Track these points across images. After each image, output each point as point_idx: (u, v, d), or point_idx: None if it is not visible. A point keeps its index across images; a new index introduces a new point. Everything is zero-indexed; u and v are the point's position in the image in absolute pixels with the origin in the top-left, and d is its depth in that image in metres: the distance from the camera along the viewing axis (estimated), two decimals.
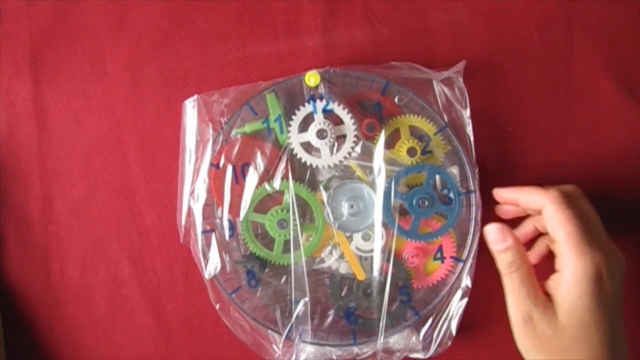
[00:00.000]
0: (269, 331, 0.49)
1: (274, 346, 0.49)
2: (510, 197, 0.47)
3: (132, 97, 0.52)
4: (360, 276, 0.48)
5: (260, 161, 0.48)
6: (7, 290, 0.53)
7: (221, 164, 0.48)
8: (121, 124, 0.52)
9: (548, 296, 0.43)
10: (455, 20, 0.51)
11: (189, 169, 0.49)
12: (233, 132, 0.48)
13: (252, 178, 0.48)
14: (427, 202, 0.47)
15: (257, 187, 0.48)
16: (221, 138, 0.48)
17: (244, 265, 0.48)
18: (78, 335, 0.53)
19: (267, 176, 0.48)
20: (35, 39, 0.52)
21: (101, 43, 0.52)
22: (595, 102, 0.51)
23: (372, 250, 0.48)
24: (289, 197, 0.47)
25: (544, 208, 0.44)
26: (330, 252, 0.49)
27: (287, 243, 0.48)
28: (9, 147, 0.52)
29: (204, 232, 0.48)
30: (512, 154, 0.51)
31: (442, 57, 0.51)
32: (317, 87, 0.48)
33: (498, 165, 0.51)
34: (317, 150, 0.48)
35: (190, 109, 0.49)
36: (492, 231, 0.45)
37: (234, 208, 0.48)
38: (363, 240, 0.48)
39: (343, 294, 0.49)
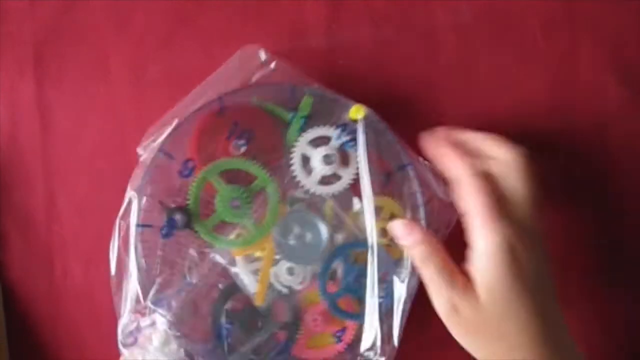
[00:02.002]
0: None
1: None
2: (431, 152, 0.46)
3: (135, 97, 0.52)
4: (259, 301, 0.45)
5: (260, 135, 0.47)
6: (11, 290, 0.53)
7: None
8: (125, 123, 0.52)
9: (467, 277, 0.42)
10: (459, 20, 0.51)
11: None
12: (254, 99, 0.47)
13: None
14: (363, 277, 0.44)
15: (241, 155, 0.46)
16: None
17: (168, 211, 0.45)
18: (81, 335, 0.53)
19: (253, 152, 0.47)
20: (39, 39, 0.52)
21: (105, 43, 0.52)
22: (599, 102, 0.51)
23: (287, 288, 0.46)
24: (216, 183, 0.45)
25: (462, 180, 0.43)
26: (250, 261, 0.46)
27: (217, 226, 0.45)
28: (12, 147, 0.52)
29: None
30: None
31: (446, 57, 0.51)
32: (355, 120, 0.46)
33: None
34: (308, 169, 0.46)
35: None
36: (398, 226, 0.44)
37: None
38: (287, 273, 0.45)
39: (227, 306, 0.46)
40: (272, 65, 0.47)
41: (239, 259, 0.46)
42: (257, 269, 0.45)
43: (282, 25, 0.52)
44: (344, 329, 0.47)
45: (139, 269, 0.45)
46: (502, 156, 0.44)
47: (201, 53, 0.52)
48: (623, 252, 0.52)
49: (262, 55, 0.47)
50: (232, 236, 0.45)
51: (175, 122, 0.46)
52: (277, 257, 0.45)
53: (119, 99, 0.52)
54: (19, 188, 0.52)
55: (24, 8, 0.52)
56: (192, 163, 0.45)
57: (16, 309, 0.53)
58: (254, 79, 0.47)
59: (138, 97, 0.52)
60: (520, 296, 0.41)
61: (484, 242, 0.41)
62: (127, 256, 0.45)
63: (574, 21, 0.51)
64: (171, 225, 0.45)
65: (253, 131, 0.47)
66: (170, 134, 0.45)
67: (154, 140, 0.46)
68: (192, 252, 0.46)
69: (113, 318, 0.52)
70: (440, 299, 0.42)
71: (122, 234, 0.46)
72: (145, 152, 0.46)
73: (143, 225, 0.45)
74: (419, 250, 0.44)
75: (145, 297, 0.45)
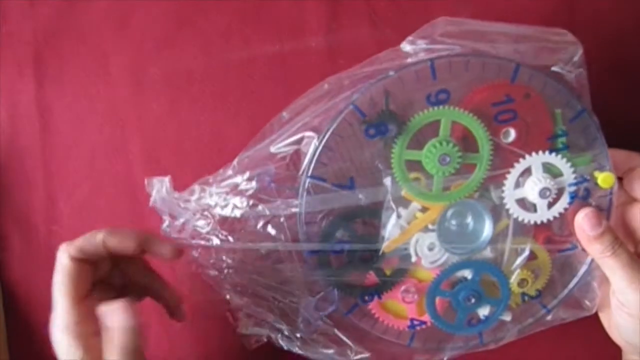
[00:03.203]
0: None
1: None
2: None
3: (135, 98, 0.52)
4: (387, 248, 0.43)
5: None
6: (11, 291, 0.53)
7: None
8: (125, 124, 0.52)
9: None
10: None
11: None
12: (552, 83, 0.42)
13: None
14: (473, 300, 0.44)
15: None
16: None
17: (386, 115, 0.41)
18: None
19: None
20: (39, 40, 0.52)
21: (104, 44, 0.52)
22: (599, 104, 0.51)
23: (416, 256, 0.43)
24: (445, 127, 0.41)
25: (638, 167, 0.43)
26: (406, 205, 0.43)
27: (446, 180, 0.42)
28: (12, 148, 0.52)
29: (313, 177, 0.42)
30: None
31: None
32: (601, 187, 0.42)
33: None
34: (520, 183, 0.43)
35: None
36: (588, 217, 0.42)
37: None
38: (427, 246, 0.43)
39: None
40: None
41: (399, 198, 0.43)
42: (407, 217, 0.43)
43: (282, 25, 0.52)
44: (423, 322, 0.46)
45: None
46: None
47: (201, 53, 0.52)
48: None
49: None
50: (411, 175, 0.42)
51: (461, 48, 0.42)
52: (431, 228, 0.43)
53: (118, 100, 0.52)
54: (18, 189, 0.52)
55: (24, 8, 0.53)
56: (445, 95, 0.41)
57: (16, 309, 0.53)
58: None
59: (138, 97, 0.52)
60: None
61: None
62: None
63: (573, 21, 0.51)
64: (381, 129, 0.41)
65: (524, 119, 0.42)
66: (449, 55, 0.41)
67: (427, 44, 0.42)
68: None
69: None
70: (639, 283, 0.41)
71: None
72: (411, 47, 0.43)
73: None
74: (608, 238, 0.42)
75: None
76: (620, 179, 0.44)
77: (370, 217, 0.43)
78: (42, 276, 0.53)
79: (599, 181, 0.42)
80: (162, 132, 0.52)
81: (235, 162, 0.44)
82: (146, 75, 0.52)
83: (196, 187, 0.44)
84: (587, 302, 0.45)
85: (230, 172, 0.44)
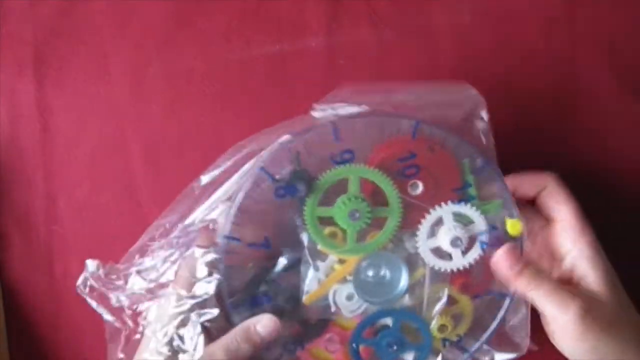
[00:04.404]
0: None
1: None
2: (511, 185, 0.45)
3: (135, 98, 0.52)
4: (307, 301, 0.44)
5: None
6: (11, 290, 0.53)
7: None
8: (125, 124, 0.52)
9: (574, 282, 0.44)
10: (459, 21, 0.51)
11: None
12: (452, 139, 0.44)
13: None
14: (395, 347, 0.44)
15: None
16: None
17: (297, 175, 0.42)
18: (81, 335, 0.53)
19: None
20: (39, 40, 0.52)
21: (105, 44, 0.52)
22: (599, 103, 0.51)
23: (336, 307, 0.44)
24: (354, 183, 0.43)
25: (546, 188, 0.44)
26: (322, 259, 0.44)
27: (360, 233, 0.43)
28: (12, 148, 0.52)
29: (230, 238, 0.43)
30: (515, 154, 0.51)
31: (446, 57, 0.51)
32: (511, 236, 0.44)
33: (499, 163, 0.51)
34: (432, 232, 0.44)
35: None
36: (504, 257, 0.43)
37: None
38: (346, 297, 0.44)
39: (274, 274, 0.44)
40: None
41: (316, 251, 0.44)
42: (325, 270, 0.44)
43: (282, 25, 0.52)
44: None
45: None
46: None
47: (201, 53, 0.52)
48: (624, 252, 0.52)
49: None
50: (325, 230, 0.43)
51: (364, 109, 0.43)
52: (349, 279, 0.44)
53: (119, 99, 0.52)
54: (19, 188, 0.52)
55: (24, 8, 0.53)
56: (350, 155, 0.43)
57: (16, 309, 0.53)
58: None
59: (138, 97, 0.52)
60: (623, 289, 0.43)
61: (588, 238, 0.43)
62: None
63: (573, 21, 0.51)
64: (290, 191, 0.43)
65: (431, 172, 0.44)
66: (350, 117, 0.43)
67: (333, 108, 0.44)
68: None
69: None
70: (570, 307, 0.41)
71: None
72: (320, 114, 0.44)
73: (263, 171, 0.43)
74: (529, 273, 0.42)
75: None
76: (533, 202, 0.45)
77: (290, 270, 0.44)
78: (42, 276, 0.53)
79: (508, 228, 0.43)
80: (162, 132, 0.52)
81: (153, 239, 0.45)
82: (146, 75, 0.52)
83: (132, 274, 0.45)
84: (519, 341, 0.45)
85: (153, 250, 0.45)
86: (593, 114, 0.51)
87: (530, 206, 0.46)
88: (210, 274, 0.43)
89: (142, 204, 0.52)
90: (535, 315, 0.44)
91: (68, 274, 0.52)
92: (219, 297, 0.43)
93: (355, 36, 0.51)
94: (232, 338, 0.41)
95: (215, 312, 0.42)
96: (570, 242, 0.43)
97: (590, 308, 0.41)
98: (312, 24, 0.51)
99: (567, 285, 0.43)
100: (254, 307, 0.44)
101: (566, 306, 0.41)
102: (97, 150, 0.52)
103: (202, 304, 0.42)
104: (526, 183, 0.45)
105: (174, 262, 0.44)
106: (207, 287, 0.43)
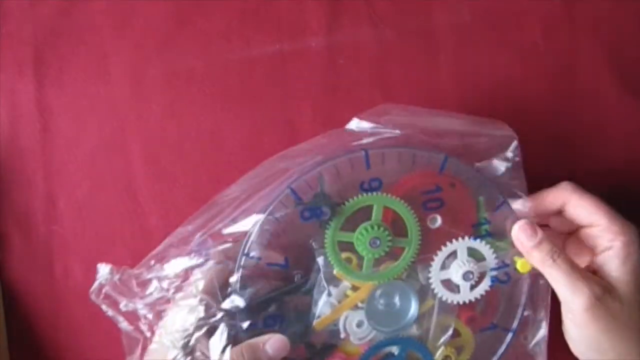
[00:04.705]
0: None
1: None
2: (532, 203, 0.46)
3: (135, 98, 0.52)
4: (320, 326, 0.44)
5: None
6: (11, 290, 0.53)
7: None
8: (125, 124, 0.52)
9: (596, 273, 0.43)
10: (459, 21, 0.51)
11: None
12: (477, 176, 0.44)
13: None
14: None
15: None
16: None
17: (323, 199, 0.43)
18: (81, 336, 0.53)
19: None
20: (39, 40, 0.52)
21: (105, 44, 0.52)
22: (599, 104, 0.51)
23: (345, 334, 0.44)
24: (378, 212, 0.43)
25: (570, 200, 0.44)
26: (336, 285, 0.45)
27: (376, 261, 0.44)
28: (12, 148, 0.52)
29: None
30: None
31: (446, 58, 0.51)
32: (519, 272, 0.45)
33: None
34: (446, 265, 0.45)
35: None
36: (523, 229, 0.43)
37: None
38: (356, 323, 0.44)
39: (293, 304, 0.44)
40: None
41: (331, 276, 0.45)
42: (338, 296, 0.44)
43: (282, 25, 0.52)
44: None
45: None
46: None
47: (201, 53, 0.52)
48: None
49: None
50: (342, 255, 0.44)
51: (398, 134, 0.44)
52: (360, 306, 0.44)
53: (119, 99, 0.52)
54: (18, 188, 0.52)
55: (24, 8, 0.53)
56: (377, 183, 0.44)
57: (16, 309, 0.53)
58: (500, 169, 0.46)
59: (138, 97, 0.52)
60: None
61: (623, 238, 0.42)
62: None
63: (574, 21, 0.51)
64: (316, 213, 0.43)
65: (450, 206, 0.45)
66: (381, 146, 0.44)
67: (370, 128, 0.44)
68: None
69: None
70: (582, 291, 0.41)
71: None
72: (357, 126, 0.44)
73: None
74: (546, 247, 0.42)
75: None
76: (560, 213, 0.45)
77: (304, 294, 0.44)
78: (42, 276, 0.53)
79: (518, 266, 0.44)
80: (162, 132, 0.52)
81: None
82: (146, 75, 0.52)
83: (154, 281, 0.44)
84: None
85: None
86: (593, 114, 0.51)
87: (548, 228, 0.46)
88: (244, 287, 0.43)
89: (142, 204, 0.52)
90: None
91: (68, 274, 0.52)
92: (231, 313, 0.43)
93: (355, 36, 0.51)
94: (238, 352, 0.41)
95: (245, 324, 0.43)
96: (608, 241, 0.43)
97: (602, 298, 0.41)
98: (312, 24, 0.51)
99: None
100: (265, 327, 0.43)
101: (579, 290, 0.41)
102: (97, 150, 0.52)
103: (232, 315, 0.42)
104: (548, 199, 0.45)
105: (192, 271, 0.44)
106: (238, 300, 0.43)
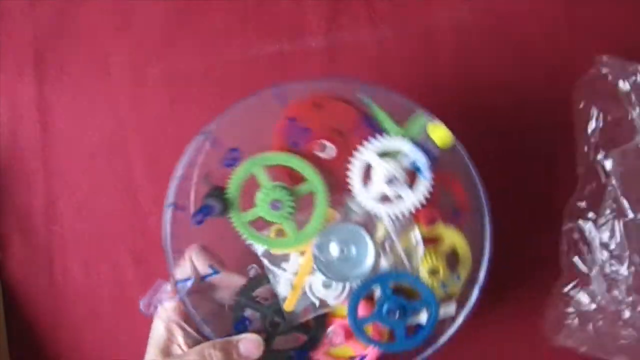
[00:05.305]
0: None
1: None
2: None
3: (135, 98, 0.52)
4: (288, 307, 0.42)
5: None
6: (11, 290, 0.53)
7: None
8: (125, 124, 0.52)
9: None
10: (459, 21, 0.51)
11: None
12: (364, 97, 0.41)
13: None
14: (397, 314, 0.41)
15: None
16: None
17: (207, 197, 0.41)
18: (81, 335, 0.53)
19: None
20: (39, 40, 0.52)
21: (105, 44, 0.52)
22: None
23: (319, 300, 0.42)
24: (260, 175, 0.41)
25: None
26: (287, 259, 0.42)
27: (256, 221, 0.42)
28: (12, 148, 0.53)
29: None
30: (514, 154, 0.51)
31: (446, 57, 0.51)
32: (444, 147, 0.41)
33: (498, 165, 0.51)
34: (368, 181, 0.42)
35: None
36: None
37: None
38: (322, 287, 0.42)
39: (255, 293, 0.43)
40: None
41: (275, 255, 0.43)
42: (293, 269, 0.42)
43: (282, 25, 0.52)
44: (364, 357, 0.43)
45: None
46: None
47: (201, 53, 0.52)
48: None
49: None
50: (271, 233, 0.42)
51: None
52: (314, 269, 0.42)
53: (118, 100, 0.52)
54: (18, 188, 0.52)
55: (24, 8, 0.53)
56: (237, 153, 0.41)
57: (16, 309, 0.53)
58: None
59: (138, 97, 0.52)
60: None
61: None
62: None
63: (574, 21, 0.51)
64: (205, 211, 0.41)
65: (328, 126, 0.42)
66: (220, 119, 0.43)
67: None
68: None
69: (113, 318, 0.53)
70: None
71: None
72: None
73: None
74: None
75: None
76: None
77: (263, 285, 0.43)
78: (42, 276, 0.53)
79: (434, 137, 0.41)
80: (162, 132, 0.52)
81: None
82: (146, 75, 0.52)
83: None
84: None
85: None
86: None
87: None
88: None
89: (142, 204, 0.52)
90: None
91: (68, 274, 0.52)
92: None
93: (355, 36, 0.51)
94: (209, 346, 0.40)
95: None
96: None
97: None
98: (312, 24, 0.52)
99: None
100: (239, 332, 0.42)
101: None
102: (97, 150, 0.52)
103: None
104: None
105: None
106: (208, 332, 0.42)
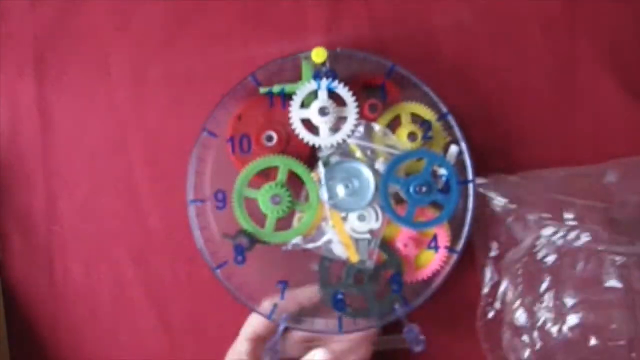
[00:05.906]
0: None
1: None
2: None
3: (135, 98, 0.52)
4: (354, 258, 0.47)
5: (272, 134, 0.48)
6: (11, 290, 0.53)
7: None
8: (125, 124, 0.52)
9: None
10: (459, 21, 0.51)
11: None
12: (263, 90, 0.48)
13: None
14: (424, 189, 0.46)
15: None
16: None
17: (232, 239, 0.47)
18: (81, 335, 0.53)
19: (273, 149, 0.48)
20: (39, 40, 0.52)
21: (105, 44, 0.52)
22: (598, 104, 0.51)
23: (367, 232, 0.47)
24: (283, 173, 0.47)
25: None
26: (322, 232, 0.47)
27: (279, 221, 0.47)
28: (12, 148, 0.53)
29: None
30: (513, 155, 0.51)
31: (446, 57, 0.51)
32: (323, 63, 0.47)
33: (499, 166, 0.51)
34: (315, 129, 0.47)
35: None
36: None
37: (227, 180, 0.47)
38: (359, 221, 0.47)
39: (332, 280, 0.47)
40: None
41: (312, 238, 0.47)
42: (332, 236, 0.47)
43: (282, 25, 0.52)
44: (434, 237, 0.48)
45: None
46: None
47: (201, 53, 0.52)
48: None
49: None
50: (295, 223, 0.47)
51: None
52: (342, 215, 0.47)
53: (118, 100, 0.52)
54: (19, 189, 0.52)
55: (24, 8, 0.53)
56: (221, 195, 0.48)
57: (16, 309, 0.53)
58: None
59: (138, 97, 0.52)
60: None
61: None
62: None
63: (574, 21, 0.51)
64: (240, 250, 0.47)
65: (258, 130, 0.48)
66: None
67: None
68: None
69: (113, 318, 0.53)
70: None
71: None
72: None
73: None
74: None
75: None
76: None
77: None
78: (42, 276, 0.53)
79: (313, 56, 0.46)
80: (162, 132, 0.52)
81: None
82: (146, 74, 0.52)
83: None
84: None
85: None
86: (593, 114, 0.51)
87: None
88: None
89: (142, 204, 0.52)
90: None
91: (68, 274, 0.52)
92: None
93: (355, 37, 0.51)
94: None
95: None
96: None
97: None
98: (312, 24, 0.52)
99: None
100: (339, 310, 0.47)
101: None
102: (97, 150, 0.52)
103: None
104: None
105: None
106: None
